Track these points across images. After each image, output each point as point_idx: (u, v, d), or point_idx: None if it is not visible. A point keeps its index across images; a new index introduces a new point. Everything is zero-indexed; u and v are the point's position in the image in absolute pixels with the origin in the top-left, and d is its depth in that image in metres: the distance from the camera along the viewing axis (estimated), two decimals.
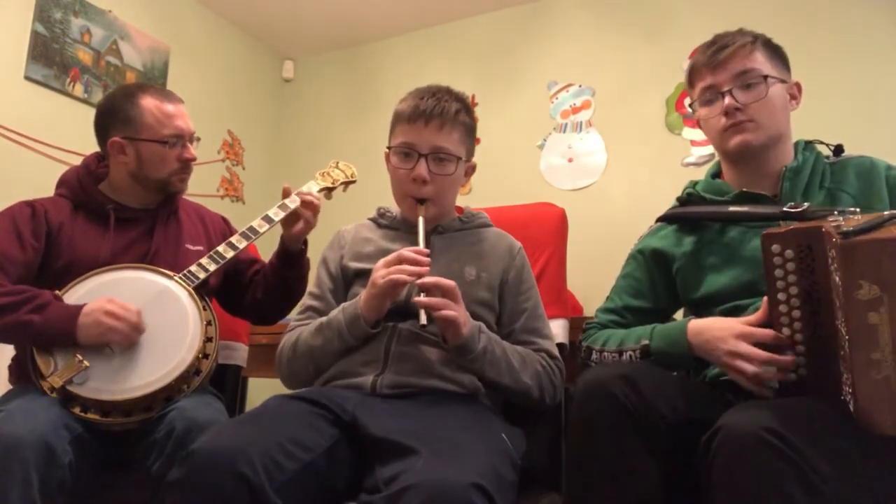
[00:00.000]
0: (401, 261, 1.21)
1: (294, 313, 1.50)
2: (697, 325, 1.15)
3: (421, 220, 1.31)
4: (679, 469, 0.98)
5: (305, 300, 1.43)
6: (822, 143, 1.33)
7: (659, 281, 1.36)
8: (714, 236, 1.30)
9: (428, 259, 1.22)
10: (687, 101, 1.41)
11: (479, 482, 0.89)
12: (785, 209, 1.19)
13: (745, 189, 1.28)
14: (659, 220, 1.41)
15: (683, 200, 1.38)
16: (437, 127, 1.33)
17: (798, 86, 1.32)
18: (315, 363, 1.30)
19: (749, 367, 1.04)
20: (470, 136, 1.41)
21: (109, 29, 2.97)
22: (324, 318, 1.31)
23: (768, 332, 1.04)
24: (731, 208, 1.27)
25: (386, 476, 0.94)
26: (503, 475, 0.99)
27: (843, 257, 0.90)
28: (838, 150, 1.32)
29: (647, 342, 1.20)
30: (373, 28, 3.72)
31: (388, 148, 1.40)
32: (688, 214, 1.35)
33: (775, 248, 1.01)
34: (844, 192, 1.24)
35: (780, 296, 1.02)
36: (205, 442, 0.99)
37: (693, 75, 1.34)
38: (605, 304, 1.40)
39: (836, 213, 1.05)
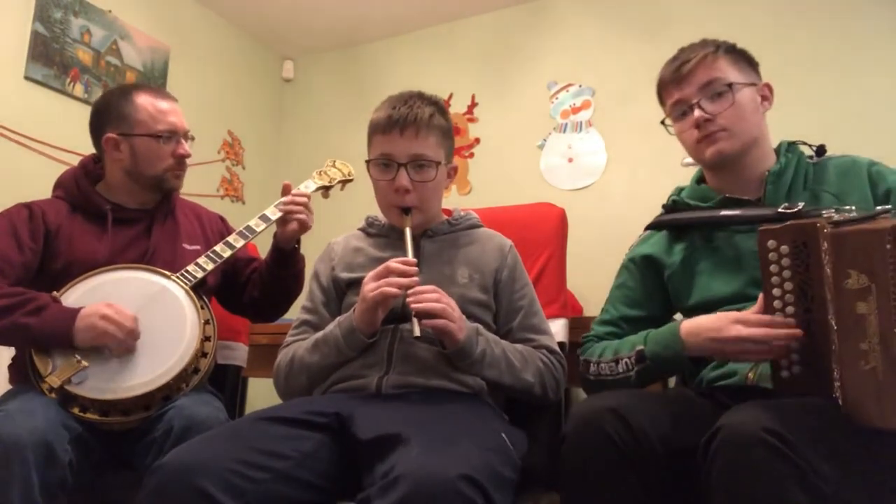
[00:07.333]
0: (388, 272, 1.20)
1: (294, 312, 1.50)
2: (690, 325, 1.14)
3: (408, 231, 1.30)
4: (674, 496, 0.98)
5: (299, 314, 1.42)
6: (804, 143, 1.32)
7: (653, 288, 1.34)
8: (704, 242, 1.28)
9: (416, 269, 1.22)
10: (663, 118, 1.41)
11: (470, 474, 0.89)
12: (780, 210, 1.18)
13: (727, 195, 1.28)
14: (648, 227, 1.40)
15: (669, 207, 1.37)
16: (413, 134, 1.31)
17: (769, 87, 1.29)
18: (313, 380, 1.30)
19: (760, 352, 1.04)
20: (447, 138, 1.38)
21: (109, 29, 2.97)
22: (319, 334, 1.30)
23: (763, 316, 1.03)
24: (724, 212, 1.25)
25: (382, 470, 0.94)
26: (500, 472, 0.98)
27: (833, 246, 0.92)
28: (820, 150, 1.31)
29: (641, 347, 1.19)
30: (373, 28, 3.72)
31: (367, 161, 1.38)
32: (678, 221, 1.33)
33: (771, 243, 1.01)
34: (826, 191, 1.23)
35: (776, 291, 1.02)
36: (171, 455, 0.99)
37: (662, 92, 1.35)
38: (601, 316, 1.38)
39: (832, 209, 1.06)
